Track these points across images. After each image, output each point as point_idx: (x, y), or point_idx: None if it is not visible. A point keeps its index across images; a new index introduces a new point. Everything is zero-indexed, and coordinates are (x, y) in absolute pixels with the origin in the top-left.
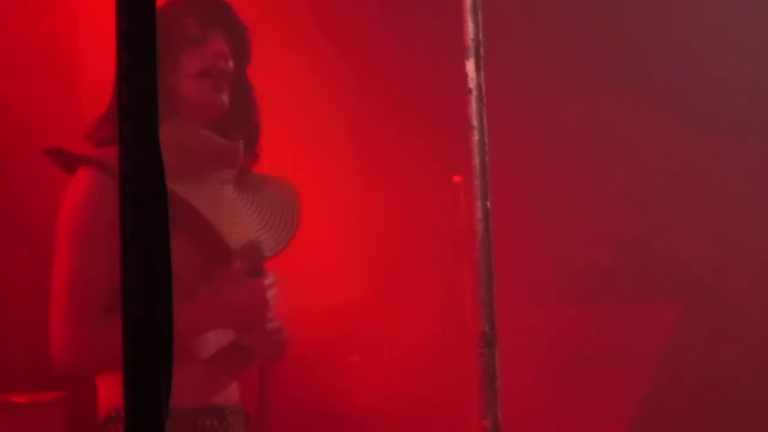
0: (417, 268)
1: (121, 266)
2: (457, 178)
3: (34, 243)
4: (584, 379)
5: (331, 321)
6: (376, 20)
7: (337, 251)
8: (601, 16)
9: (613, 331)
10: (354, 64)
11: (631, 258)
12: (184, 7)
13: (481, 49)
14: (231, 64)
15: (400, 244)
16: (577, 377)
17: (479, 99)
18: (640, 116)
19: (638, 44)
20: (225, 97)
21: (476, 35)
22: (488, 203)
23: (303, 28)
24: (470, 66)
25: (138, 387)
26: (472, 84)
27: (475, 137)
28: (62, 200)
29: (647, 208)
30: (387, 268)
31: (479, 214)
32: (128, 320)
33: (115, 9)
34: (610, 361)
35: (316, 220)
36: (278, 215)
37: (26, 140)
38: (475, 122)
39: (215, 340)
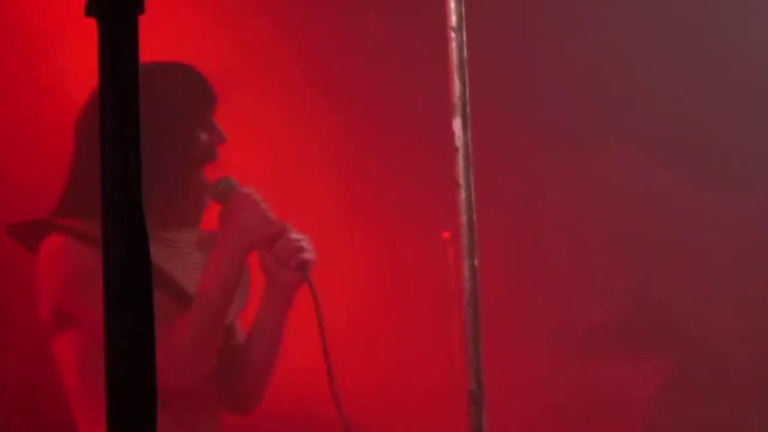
0: (404, 326)
1: (105, 331)
2: (445, 235)
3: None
4: None
5: (317, 378)
6: (364, 78)
7: (322, 307)
8: (590, 75)
9: (603, 387)
10: (342, 122)
11: (622, 314)
12: (204, 95)
13: (468, 108)
14: None
15: (387, 302)
16: None
17: (466, 157)
18: (630, 173)
19: (628, 100)
20: (207, 199)
21: (463, 94)
22: (476, 261)
23: (291, 84)
24: (457, 124)
25: None
26: (459, 142)
27: (462, 195)
28: (46, 276)
29: (638, 263)
30: (373, 325)
31: (467, 273)
32: (112, 385)
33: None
34: (599, 418)
35: None
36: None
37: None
38: (462, 180)
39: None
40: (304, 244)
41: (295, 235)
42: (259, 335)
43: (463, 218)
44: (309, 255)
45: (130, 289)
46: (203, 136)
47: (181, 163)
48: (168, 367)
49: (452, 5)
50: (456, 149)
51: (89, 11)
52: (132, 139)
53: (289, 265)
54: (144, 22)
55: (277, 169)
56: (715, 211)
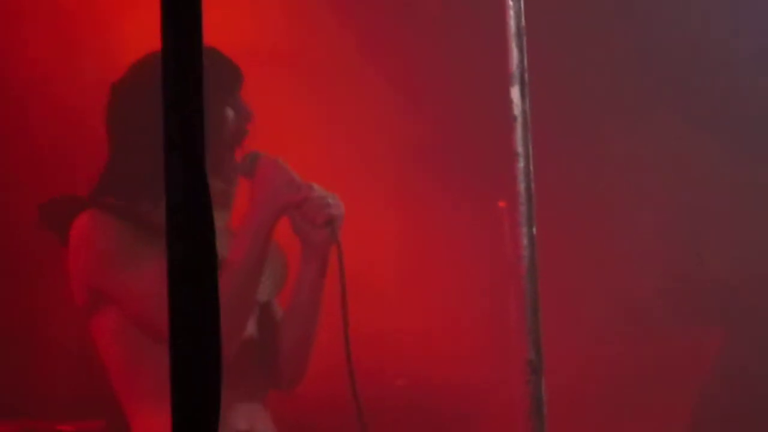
0: (462, 295)
1: (169, 301)
2: (501, 204)
3: None
4: (631, 406)
5: (376, 346)
6: (421, 47)
7: (381, 277)
8: (647, 43)
9: (659, 357)
10: (399, 91)
11: (677, 284)
12: (230, 74)
13: (526, 76)
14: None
15: (445, 271)
16: (624, 404)
17: (524, 126)
18: (686, 142)
19: (684, 69)
20: (236, 176)
21: (521, 62)
22: (534, 230)
23: (347, 55)
24: (515, 93)
25: (187, 420)
26: (516, 111)
27: (520, 164)
28: (77, 255)
29: (693, 233)
30: (432, 294)
31: (525, 241)
32: (176, 357)
33: (161, 41)
34: (657, 388)
35: (361, 246)
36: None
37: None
38: (520, 149)
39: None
40: (330, 200)
41: (321, 193)
42: (298, 301)
43: (521, 187)
44: (336, 210)
45: (194, 256)
46: (231, 115)
47: (212, 144)
48: None
49: None
50: (514, 118)
51: None
52: (194, 108)
53: (316, 222)
54: None
55: (335, 140)
56: None
